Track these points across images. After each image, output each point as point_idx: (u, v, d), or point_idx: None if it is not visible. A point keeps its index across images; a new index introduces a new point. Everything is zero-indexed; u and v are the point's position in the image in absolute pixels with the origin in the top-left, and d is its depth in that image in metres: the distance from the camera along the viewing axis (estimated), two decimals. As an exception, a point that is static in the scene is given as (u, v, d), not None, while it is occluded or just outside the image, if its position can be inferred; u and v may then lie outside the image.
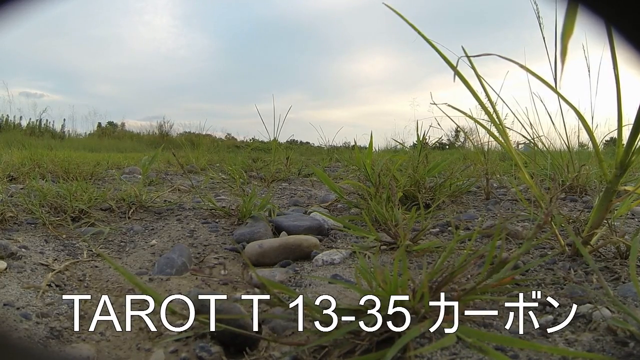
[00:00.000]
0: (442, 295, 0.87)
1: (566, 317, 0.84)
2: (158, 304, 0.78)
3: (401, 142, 4.72)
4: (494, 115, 1.08)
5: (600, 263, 1.11)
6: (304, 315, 0.88)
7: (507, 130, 2.57)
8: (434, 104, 1.48)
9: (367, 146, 2.48)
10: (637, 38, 0.53)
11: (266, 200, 2.01)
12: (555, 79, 1.92)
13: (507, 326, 0.83)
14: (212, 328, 0.84)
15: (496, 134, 1.19)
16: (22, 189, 2.46)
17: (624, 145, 1.05)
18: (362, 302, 0.86)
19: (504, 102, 2.08)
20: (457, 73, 0.99)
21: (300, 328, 0.86)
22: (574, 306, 0.88)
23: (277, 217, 1.90)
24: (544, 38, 1.79)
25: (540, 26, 1.80)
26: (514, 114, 2.17)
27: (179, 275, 1.32)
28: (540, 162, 2.62)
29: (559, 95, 1.14)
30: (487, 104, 1.13)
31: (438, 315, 0.81)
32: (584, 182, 2.27)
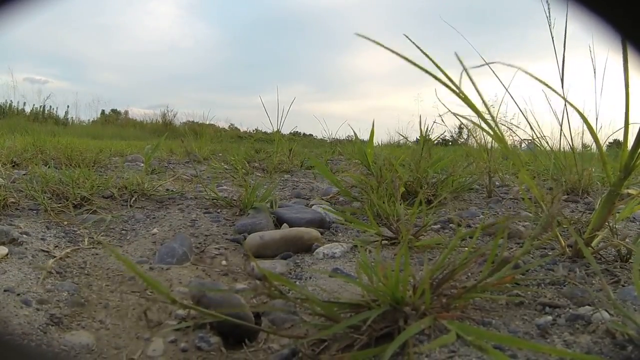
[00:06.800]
0: (443, 292, 0.88)
1: (565, 318, 0.84)
2: (158, 293, 0.78)
3: (405, 137, 4.70)
4: (490, 118, 1.07)
5: (601, 265, 1.11)
6: (304, 308, 0.88)
7: (512, 128, 2.56)
8: (439, 101, 1.47)
9: (369, 139, 2.48)
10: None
11: (269, 191, 2.02)
12: (562, 79, 1.91)
13: (506, 325, 0.83)
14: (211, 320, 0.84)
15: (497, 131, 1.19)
16: (24, 174, 2.47)
17: (629, 148, 1.05)
18: (362, 297, 0.86)
19: (514, 100, 2.07)
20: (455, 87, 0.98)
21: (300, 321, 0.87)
22: (574, 307, 0.88)
23: (278, 208, 1.90)
24: (552, 37, 1.78)
25: (549, 26, 1.78)
26: (522, 113, 2.16)
27: (179, 265, 1.32)
28: (544, 161, 2.61)
29: (564, 99, 1.14)
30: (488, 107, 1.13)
31: (438, 312, 0.81)
32: (587, 183, 2.26)
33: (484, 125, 1.04)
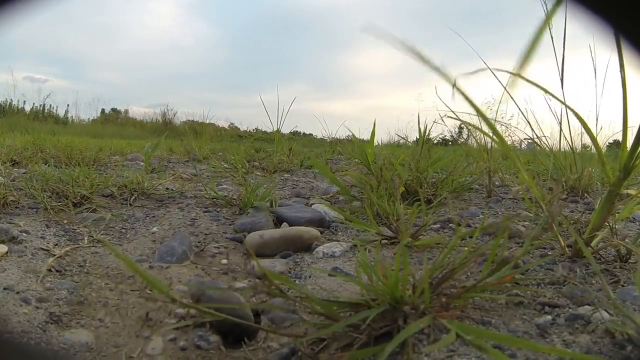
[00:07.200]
0: (442, 291, 0.88)
1: (565, 317, 0.84)
2: (158, 291, 0.78)
3: (404, 136, 4.69)
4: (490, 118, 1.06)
5: (600, 265, 1.11)
6: (303, 307, 0.88)
7: (511, 128, 2.56)
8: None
9: (369, 138, 2.49)
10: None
11: (268, 191, 2.02)
12: (562, 79, 1.92)
13: (506, 325, 0.84)
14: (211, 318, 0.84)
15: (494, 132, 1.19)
16: (24, 173, 2.47)
17: (628, 149, 1.05)
18: (362, 296, 0.86)
19: (513, 100, 2.07)
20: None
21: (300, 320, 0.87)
22: (573, 307, 0.88)
23: (278, 207, 1.90)
24: (552, 37, 1.79)
25: (549, 27, 1.79)
26: (522, 113, 2.17)
27: (179, 264, 1.32)
28: (544, 161, 2.61)
29: (562, 103, 1.14)
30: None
31: (437, 312, 0.81)
32: (586, 183, 2.26)
33: (483, 125, 1.04)
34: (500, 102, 2.41)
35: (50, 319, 0.93)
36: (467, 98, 0.92)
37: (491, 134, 1.05)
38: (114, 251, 0.78)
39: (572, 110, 1.14)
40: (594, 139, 1.21)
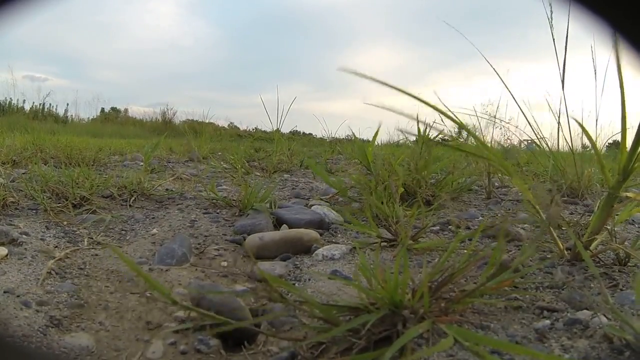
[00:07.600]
0: (442, 295, 0.88)
1: (563, 322, 0.84)
2: (160, 294, 0.79)
3: (405, 135, 4.69)
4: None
5: (599, 269, 1.11)
6: (303, 311, 0.88)
7: (511, 129, 2.56)
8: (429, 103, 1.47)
9: (368, 139, 2.49)
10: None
11: (268, 192, 2.02)
12: (562, 80, 1.92)
13: (504, 329, 0.84)
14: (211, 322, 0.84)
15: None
16: (24, 173, 2.47)
17: (628, 151, 1.05)
18: (361, 300, 0.86)
19: (514, 99, 2.08)
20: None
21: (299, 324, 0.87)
22: (572, 311, 0.89)
23: (278, 209, 1.90)
24: (553, 40, 1.79)
25: (550, 28, 1.79)
26: (522, 112, 2.17)
27: (179, 266, 1.32)
28: (543, 162, 2.61)
29: (564, 117, 1.14)
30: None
31: (437, 316, 0.81)
32: (586, 184, 2.26)
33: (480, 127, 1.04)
34: (499, 103, 2.42)
35: (51, 323, 0.93)
36: (448, 112, 0.92)
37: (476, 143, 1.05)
38: (119, 254, 0.78)
39: (577, 122, 1.14)
40: (594, 144, 1.21)
